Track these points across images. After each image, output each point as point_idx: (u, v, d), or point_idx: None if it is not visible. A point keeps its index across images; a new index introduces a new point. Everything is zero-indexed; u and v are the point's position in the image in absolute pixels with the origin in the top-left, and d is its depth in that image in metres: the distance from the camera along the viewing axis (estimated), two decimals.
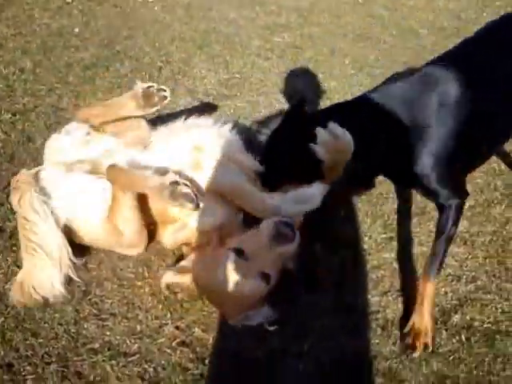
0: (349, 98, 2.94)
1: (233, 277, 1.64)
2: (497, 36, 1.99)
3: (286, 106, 2.93)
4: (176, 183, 1.68)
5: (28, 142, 2.55)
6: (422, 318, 1.73)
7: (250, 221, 1.79)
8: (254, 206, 1.79)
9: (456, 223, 1.76)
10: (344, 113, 1.75)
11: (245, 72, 3.30)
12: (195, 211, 1.72)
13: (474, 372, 1.67)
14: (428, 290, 1.75)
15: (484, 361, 1.70)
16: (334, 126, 1.58)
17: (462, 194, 1.80)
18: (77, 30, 3.69)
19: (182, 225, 1.85)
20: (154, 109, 2.03)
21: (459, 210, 1.76)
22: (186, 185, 1.68)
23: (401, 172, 1.81)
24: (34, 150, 2.48)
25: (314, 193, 1.71)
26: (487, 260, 2.04)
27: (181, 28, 3.85)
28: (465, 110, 1.72)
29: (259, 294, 1.67)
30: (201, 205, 1.68)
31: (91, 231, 1.89)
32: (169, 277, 1.79)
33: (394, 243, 2.10)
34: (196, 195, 1.67)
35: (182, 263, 1.83)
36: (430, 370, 1.67)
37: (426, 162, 1.71)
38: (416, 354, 1.68)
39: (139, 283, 1.91)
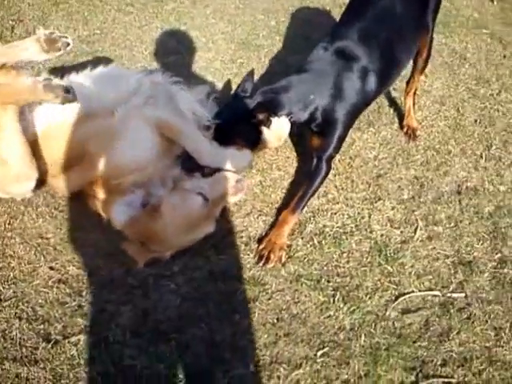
0: (211, 46, 3.23)
1: (197, 220, 1.91)
2: None
3: (148, 58, 3.08)
4: (50, 79, 1.79)
5: None
6: (280, 239, 2.05)
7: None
8: (201, 151, 2.03)
9: (326, 175, 2.16)
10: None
11: (105, 28, 3.35)
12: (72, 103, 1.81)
13: (325, 268, 2.01)
14: (290, 220, 2.08)
15: (333, 258, 2.05)
16: (284, 120, 2.00)
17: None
18: None
19: None
20: (58, 53, 2.05)
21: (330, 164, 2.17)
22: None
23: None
24: None
25: (247, 156, 2.12)
26: (336, 176, 2.39)
27: None
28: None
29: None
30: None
31: None
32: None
33: (254, 171, 2.38)
34: (71, 87, 1.78)
35: None
36: (287, 272, 1.99)
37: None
38: (270, 265, 1.98)
39: (9, 234, 2.01)
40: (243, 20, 3.53)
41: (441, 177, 2.41)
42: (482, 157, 2.53)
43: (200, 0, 3.70)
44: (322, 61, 2.08)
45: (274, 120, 1.98)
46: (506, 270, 2.01)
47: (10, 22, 3.31)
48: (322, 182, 2.18)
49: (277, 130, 2.03)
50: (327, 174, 2.19)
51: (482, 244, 2.11)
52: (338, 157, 2.46)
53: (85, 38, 3.23)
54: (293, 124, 2.05)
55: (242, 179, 2.05)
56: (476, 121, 2.75)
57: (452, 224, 2.20)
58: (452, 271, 2.01)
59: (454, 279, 1.98)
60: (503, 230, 2.17)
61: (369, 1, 2.22)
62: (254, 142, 2.07)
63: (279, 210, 2.19)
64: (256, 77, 2.83)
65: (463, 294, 1.92)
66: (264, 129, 2.00)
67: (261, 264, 1.98)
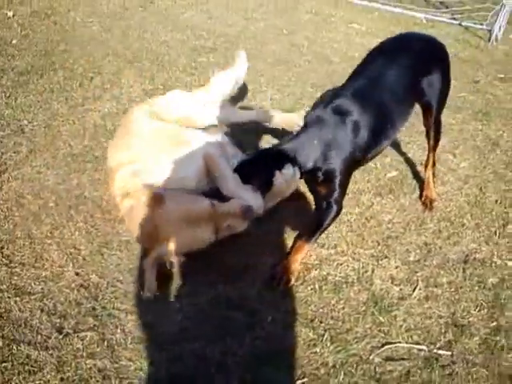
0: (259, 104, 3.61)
1: (197, 218, 2.18)
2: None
3: None
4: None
5: None
6: (293, 264, 2.29)
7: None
8: (227, 185, 2.38)
9: (337, 214, 2.39)
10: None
11: (168, 84, 3.83)
12: None
13: (320, 310, 2.17)
14: (304, 248, 2.33)
15: (330, 302, 2.20)
16: (294, 170, 2.25)
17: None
18: (14, 41, 4.18)
19: None
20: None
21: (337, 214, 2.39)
22: None
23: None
24: None
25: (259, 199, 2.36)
26: (349, 233, 2.58)
27: (115, 45, 4.38)
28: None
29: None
30: None
31: None
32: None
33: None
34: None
35: None
36: (284, 308, 2.16)
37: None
38: (281, 286, 2.22)
39: (49, 241, 2.35)
40: (292, 91, 3.92)
41: (450, 245, 2.53)
42: (495, 233, 2.63)
43: (257, 70, 4.15)
44: (321, 117, 2.31)
45: (287, 168, 2.24)
46: (498, 338, 2.07)
47: (90, 74, 3.87)
48: (332, 220, 2.38)
49: (289, 178, 2.27)
50: (337, 213, 2.38)
51: (479, 311, 2.19)
52: (354, 216, 2.68)
53: (148, 91, 3.71)
54: (301, 173, 2.30)
55: (252, 209, 2.27)
56: (497, 201, 2.87)
57: (452, 289, 2.29)
58: (443, 330, 2.09)
59: (444, 338, 2.06)
60: (503, 301, 2.24)
61: (368, 67, 2.50)
62: (267, 185, 2.32)
63: (293, 240, 2.45)
64: None
65: (449, 353, 2.00)
66: (278, 175, 2.24)
67: (274, 284, 2.23)
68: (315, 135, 2.25)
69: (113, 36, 4.59)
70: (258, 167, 2.29)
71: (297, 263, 2.31)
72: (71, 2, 5.10)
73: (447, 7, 5.84)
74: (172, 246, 2.16)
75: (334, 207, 2.36)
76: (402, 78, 2.44)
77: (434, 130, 2.71)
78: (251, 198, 2.26)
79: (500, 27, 5.16)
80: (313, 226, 2.38)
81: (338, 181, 2.31)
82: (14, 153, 2.93)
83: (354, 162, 2.36)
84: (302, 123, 2.41)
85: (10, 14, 4.66)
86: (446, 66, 2.68)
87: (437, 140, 2.77)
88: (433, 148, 2.77)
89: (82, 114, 3.37)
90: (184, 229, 2.16)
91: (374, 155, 2.51)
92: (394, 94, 2.41)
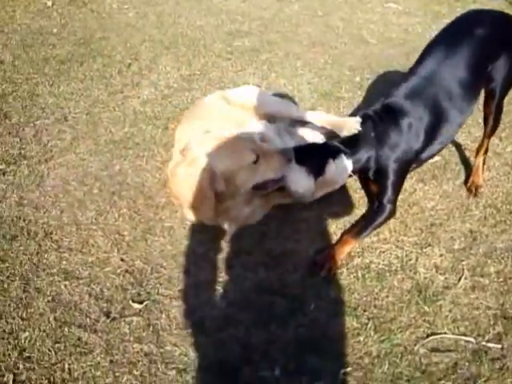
0: (295, 93, 3.56)
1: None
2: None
3: None
4: None
5: (5, 118, 3.05)
6: (338, 255, 2.27)
7: None
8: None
9: (389, 214, 2.37)
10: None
11: (205, 70, 3.82)
12: None
13: (364, 299, 2.14)
14: (351, 242, 2.32)
15: (373, 291, 2.17)
16: (347, 162, 2.24)
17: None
18: (55, 30, 4.23)
19: None
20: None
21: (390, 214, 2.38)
22: None
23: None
24: (10, 126, 2.98)
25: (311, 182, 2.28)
26: (392, 220, 2.52)
27: (151, 31, 4.39)
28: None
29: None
30: None
31: None
32: None
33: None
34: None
35: None
36: (327, 295, 2.14)
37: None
38: (322, 273, 2.20)
39: (94, 227, 2.39)
40: (330, 74, 3.84)
41: (497, 233, 2.46)
42: None
43: (293, 53, 4.10)
44: (375, 116, 2.30)
45: (340, 158, 2.22)
46: None
47: (128, 61, 3.90)
48: (385, 220, 2.37)
49: (341, 169, 2.25)
50: (390, 214, 2.38)
51: None
52: (397, 203, 2.62)
53: (186, 77, 3.70)
54: (354, 168, 2.28)
55: (291, 153, 2.23)
56: None
57: (501, 279, 2.23)
58: (491, 322, 2.04)
59: (493, 330, 2.00)
60: None
61: (428, 60, 2.38)
62: (319, 171, 2.26)
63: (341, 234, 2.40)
64: None
65: (500, 346, 1.95)
66: (332, 162, 2.23)
67: (317, 270, 2.22)
68: (370, 133, 2.24)
69: (148, 22, 4.59)
70: (313, 152, 2.27)
71: (342, 254, 2.29)
72: None
73: None
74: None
75: (387, 208, 2.35)
76: (467, 72, 2.33)
77: (493, 117, 2.58)
78: (303, 178, 2.23)
79: None
80: (364, 223, 2.38)
81: (390, 180, 2.30)
82: (59, 140, 2.99)
83: (409, 162, 2.34)
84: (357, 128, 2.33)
85: (50, 3, 4.72)
86: None
87: (495, 126, 2.65)
88: (489, 135, 2.66)
89: (121, 101, 3.40)
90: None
91: (430, 156, 2.48)
92: (455, 91, 2.32)
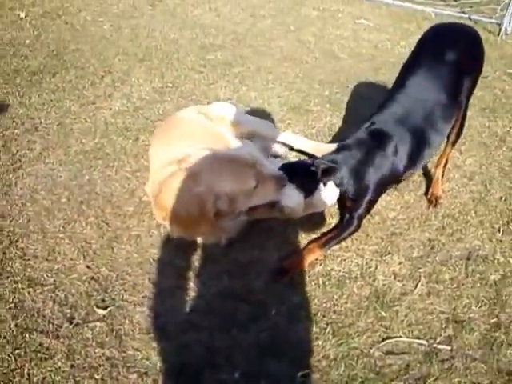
0: (265, 106, 3.66)
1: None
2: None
3: None
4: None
5: None
6: (301, 263, 2.37)
7: None
8: None
9: (355, 229, 2.49)
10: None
11: (177, 82, 3.91)
12: None
13: (323, 305, 2.24)
14: (316, 252, 2.42)
15: (333, 297, 2.27)
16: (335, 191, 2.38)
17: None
18: (27, 41, 4.28)
19: None
20: None
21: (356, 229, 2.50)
22: None
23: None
24: None
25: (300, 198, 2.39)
26: None
27: (125, 44, 4.46)
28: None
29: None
30: None
31: None
32: None
33: None
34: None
35: None
36: (289, 300, 2.23)
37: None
38: (284, 279, 2.30)
39: (61, 235, 2.45)
40: (300, 87, 3.97)
41: (453, 242, 2.58)
42: (499, 230, 2.67)
43: (264, 67, 4.21)
44: (361, 140, 2.43)
45: (329, 183, 2.34)
46: (498, 334, 2.12)
47: (101, 73, 3.96)
48: (350, 234, 2.50)
49: (328, 193, 2.36)
50: (356, 229, 2.50)
51: (479, 307, 2.24)
52: None
53: (158, 89, 3.78)
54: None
55: (285, 179, 2.32)
56: (501, 198, 2.91)
57: (454, 285, 2.34)
58: (443, 325, 2.15)
59: (444, 333, 2.12)
60: (504, 297, 2.29)
61: (406, 86, 2.50)
62: (308, 191, 2.37)
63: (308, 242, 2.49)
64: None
65: (449, 348, 2.06)
66: (321, 186, 2.34)
67: (277, 277, 2.31)
68: (353, 158, 2.37)
69: (122, 35, 4.67)
70: (306, 172, 2.37)
71: (304, 264, 2.38)
72: (82, 1, 5.18)
73: (456, 1, 5.84)
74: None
75: (355, 223, 2.47)
76: (445, 93, 2.47)
77: (458, 126, 2.71)
78: (294, 195, 2.32)
79: (510, 20, 5.15)
80: (332, 235, 2.48)
81: (367, 199, 2.43)
82: (28, 150, 3.03)
83: (390, 183, 2.49)
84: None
85: (23, 14, 4.76)
86: (482, 58, 2.68)
87: (459, 135, 2.78)
88: (452, 144, 2.79)
89: (93, 112, 3.46)
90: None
91: (410, 175, 2.61)
92: (435, 113, 2.47)
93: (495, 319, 2.19)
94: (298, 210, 2.39)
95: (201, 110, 2.81)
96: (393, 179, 2.50)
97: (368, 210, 2.51)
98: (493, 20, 5.32)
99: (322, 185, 2.35)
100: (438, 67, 2.51)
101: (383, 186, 2.49)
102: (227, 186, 2.21)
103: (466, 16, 5.56)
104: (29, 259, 2.30)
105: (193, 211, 2.19)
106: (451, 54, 2.53)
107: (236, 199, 2.24)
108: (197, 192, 2.17)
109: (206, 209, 2.17)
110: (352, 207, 2.49)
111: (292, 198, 2.35)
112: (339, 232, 2.49)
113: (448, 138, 2.78)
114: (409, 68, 2.59)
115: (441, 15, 5.59)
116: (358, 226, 2.50)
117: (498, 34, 5.20)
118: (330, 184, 2.36)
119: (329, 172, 2.34)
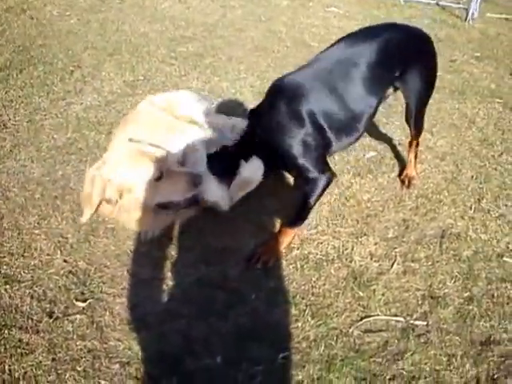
0: (238, 96, 3.68)
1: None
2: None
3: None
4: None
5: None
6: (276, 247, 2.39)
7: None
8: None
9: (321, 189, 2.37)
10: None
11: (149, 75, 3.90)
12: None
13: (302, 287, 2.27)
14: (288, 232, 2.42)
15: (311, 280, 2.31)
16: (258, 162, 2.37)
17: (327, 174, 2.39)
18: None
19: None
20: None
21: (324, 184, 2.37)
22: None
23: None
24: None
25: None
26: (329, 213, 2.68)
27: (94, 39, 4.43)
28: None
29: None
30: None
31: None
32: None
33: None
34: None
35: None
36: (266, 285, 2.26)
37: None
38: (258, 265, 2.32)
39: (37, 231, 2.43)
40: (272, 76, 3.94)
41: (427, 221, 2.65)
42: (471, 208, 2.75)
43: (236, 57, 4.24)
44: (271, 103, 2.38)
45: (252, 160, 2.35)
46: (471, 307, 2.19)
47: (71, 68, 3.94)
48: (321, 192, 2.36)
49: (255, 167, 2.38)
50: (321, 187, 2.35)
51: (454, 282, 2.31)
52: (334, 196, 2.78)
53: (129, 83, 3.78)
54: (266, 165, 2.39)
55: (200, 178, 2.36)
56: (472, 177, 2.99)
57: (429, 263, 2.41)
58: (419, 302, 2.21)
59: (420, 309, 2.18)
60: (476, 272, 2.36)
61: (328, 54, 2.47)
62: (231, 175, 2.41)
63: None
64: None
65: (425, 323, 2.12)
66: (244, 164, 2.35)
67: (253, 263, 2.32)
68: (266, 122, 2.32)
69: (91, 29, 4.64)
70: (224, 158, 2.39)
71: (279, 247, 2.40)
72: None
73: None
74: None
75: (314, 183, 2.33)
76: (368, 69, 2.37)
77: (414, 127, 2.74)
78: (215, 188, 2.35)
79: (476, 5, 5.27)
80: (297, 209, 2.43)
81: (302, 159, 2.31)
82: None
83: (311, 141, 2.32)
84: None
85: None
86: (430, 60, 2.62)
87: (418, 132, 2.79)
88: (414, 137, 2.82)
89: (64, 108, 3.44)
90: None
91: (336, 149, 2.51)
92: (355, 84, 2.38)
93: (468, 293, 2.27)
94: (223, 202, 2.44)
95: (152, 99, 2.81)
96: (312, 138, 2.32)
97: (317, 163, 2.33)
98: (460, 5, 5.45)
99: (243, 163, 2.35)
100: (368, 45, 2.40)
101: (307, 143, 2.31)
102: (121, 175, 2.32)
103: (434, 2, 5.67)
104: (4, 256, 2.28)
105: (84, 196, 2.38)
106: (387, 41, 2.44)
107: (132, 190, 2.33)
108: (93, 175, 2.34)
109: (91, 196, 2.33)
110: (298, 174, 2.44)
111: (214, 192, 2.40)
112: (304, 200, 2.37)
113: (410, 131, 2.80)
114: (339, 41, 2.54)
115: (410, 2, 5.69)
116: (320, 184, 2.33)
117: (466, 19, 5.32)
118: (253, 158, 2.36)
119: (245, 146, 2.33)
